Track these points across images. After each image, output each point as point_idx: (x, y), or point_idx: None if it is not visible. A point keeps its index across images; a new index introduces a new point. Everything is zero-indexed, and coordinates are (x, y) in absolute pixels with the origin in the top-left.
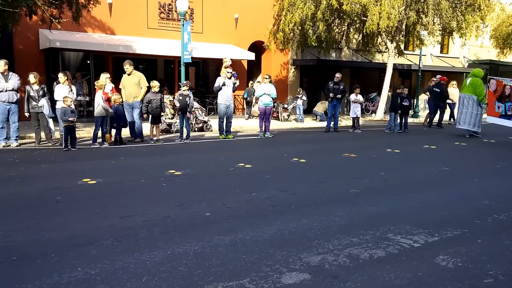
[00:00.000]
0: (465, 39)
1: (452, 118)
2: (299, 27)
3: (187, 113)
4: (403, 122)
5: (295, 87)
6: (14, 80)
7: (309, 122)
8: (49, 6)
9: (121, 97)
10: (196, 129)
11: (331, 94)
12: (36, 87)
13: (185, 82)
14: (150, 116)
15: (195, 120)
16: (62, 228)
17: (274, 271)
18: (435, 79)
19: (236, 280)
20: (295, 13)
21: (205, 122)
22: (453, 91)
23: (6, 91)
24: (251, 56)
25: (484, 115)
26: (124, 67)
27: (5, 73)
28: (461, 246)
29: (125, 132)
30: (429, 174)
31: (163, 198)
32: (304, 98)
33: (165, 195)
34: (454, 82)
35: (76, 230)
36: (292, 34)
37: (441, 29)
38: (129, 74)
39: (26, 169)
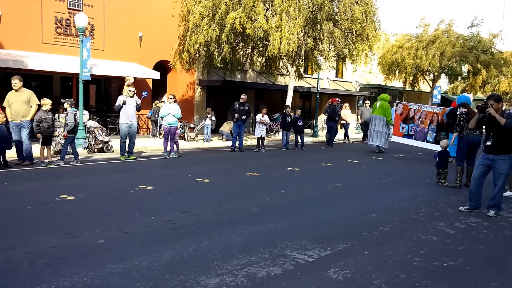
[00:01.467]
0: (356, 65)
1: (346, 137)
2: (205, 48)
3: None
4: (300, 141)
5: (201, 107)
6: None
7: (216, 142)
8: None
9: (5, 116)
10: (95, 150)
11: (236, 115)
12: None
13: (68, 100)
14: (41, 136)
15: (95, 140)
16: None
17: None
18: (338, 101)
19: None
20: (200, 34)
21: (105, 142)
22: (346, 113)
23: None
24: (156, 75)
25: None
26: (12, 82)
27: None
28: (350, 258)
29: (12, 154)
30: (324, 190)
31: (51, 226)
32: (213, 118)
33: (54, 222)
34: (347, 104)
35: None
36: (197, 54)
37: (335, 55)
38: (16, 91)
39: None
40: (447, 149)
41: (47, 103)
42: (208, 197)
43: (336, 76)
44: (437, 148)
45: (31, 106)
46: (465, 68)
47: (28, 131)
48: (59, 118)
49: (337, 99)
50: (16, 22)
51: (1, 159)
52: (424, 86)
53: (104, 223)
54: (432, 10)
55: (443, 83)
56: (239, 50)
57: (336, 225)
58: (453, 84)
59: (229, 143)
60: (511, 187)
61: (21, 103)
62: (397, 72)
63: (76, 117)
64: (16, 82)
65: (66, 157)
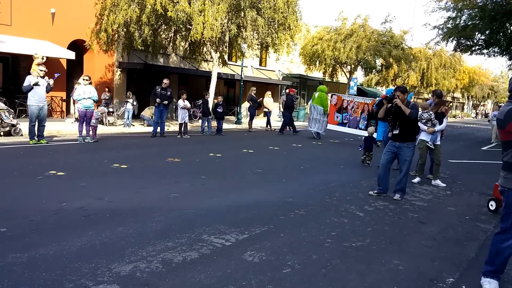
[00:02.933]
0: (278, 54)
1: (268, 125)
2: (124, 29)
3: None
4: (219, 126)
5: (121, 91)
6: None
7: (137, 127)
8: None
9: None
10: (2, 133)
11: (158, 100)
12: None
13: None
14: None
15: (1, 123)
16: None
17: (78, 286)
18: (254, 89)
19: None
20: (119, 14)
21: (13, 125)
22: (269, 101)
23: None
24: (71, 55)
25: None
26: None
27: None
28: (266, 241)
29: None
30: (245, 176)
31: None
32: (134, 102)
33: None
34: (269, 92)
35: None
36: (116, 35)
37: (258, 43)
38: None
39: None
40: (373, 135)
41: None
42: (125, 183)
43: (260, 65)
44: (364, 133)
45: None
46: (379, 61)
47: None
48: None
49: (293, 89)
50: None
51: None
52: (342, 78)
53: (7, 211)
54: (350, 4)
55: (359, 75)
56: (161, 33)
57: (255, 210)
58: (368, 76)
59: (151, 129)
60: (421, 174)
61: None
62: (317, 63)
63: None
64: None
65: None
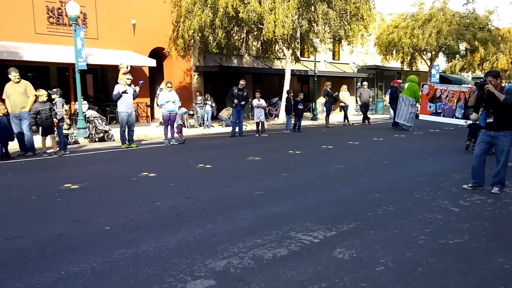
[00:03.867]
0: (352, 46)
1: (346, 120)
2: (199, 34)
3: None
4: (298, 123)
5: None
6: None
7: (216, 128)
8: None
9: (6, 108)
10: (96, 139)
11: (235, 100)
12: None
13: (55, 90)
14: (40, 127)
15: (95, 130)
16: None
17: (178, 280)
18: (329, 84)
19: None
20: (194, 19)
21: (106, 131)
22: (345, 95)
23: None
24: (152, 62)
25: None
26: (12, 75)
27: None
28: (355, 238)
29: (14, 146)
30: (326, 172)
31: (57, 214)
32: (213, 104)
33: (60, 211)
34: (345, 86)
35: None
36: (192, 40)
37: (331, 37)
38: (17, 82)
39: None
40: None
41: (42, 94)
42: (210, 182)
43: (333, 58)
44: (462, 122)
45: (28, 97)
46: (462, 46)
47: (28, 122)
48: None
49: (398, 80)
50: (8, 13)
51: (3, 151)
52: (422, 66)
53: (109, 210)
54: None
55: (441, 62)
56: (234, 34)
57: (340, 206)
58: (451, 62)
59: (229, 129)
60: None
61: (19, 95)
62: (394, 52)
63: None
64: (14, 74)
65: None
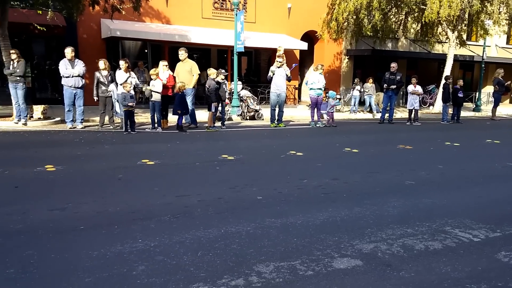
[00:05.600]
0: None
1: None
2: (354, 16)
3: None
4: (456, 113)
5: (348, 78)
6: (79, 66)
7: (363, 114)
8: None
9: (185, 84)
10: (247, 117)
11: (385, 85)
12: (105, 73)
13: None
14: (213, 103)
15: (247, 108)
16: (124, 203)
17: (325, 255)
18: (501, 71)
19: (287, 261)
20: (350, 1)
21: (256, 110)
22: None
23: (72, 77)
24: (304, 45)
25: None
26: (179, 53)
27: (72, 60)
28: None
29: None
30: (491, 169)
31: (216, 180)
32: (361, 89)
33: (218, 178)
34: None
35: (137, 206)
36: (346, 23)
37: (508, 18)
38: (182, 61)
39: (91, 149)
40: None
41: (212, 72)
42: (357, 167)
43: (507, 43)
44: None
45: (193, 75)
46: None
47: (191, 98)
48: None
49: None
50: (180, 0)
51: (179, 123)
52: None
53: (260, 182)
54: None
55: None
56: (391, 16)
57: (508, 207)
58: None
59: (378, 115)
60: None
61: (185, 73)
62: None
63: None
64: (182, 53)
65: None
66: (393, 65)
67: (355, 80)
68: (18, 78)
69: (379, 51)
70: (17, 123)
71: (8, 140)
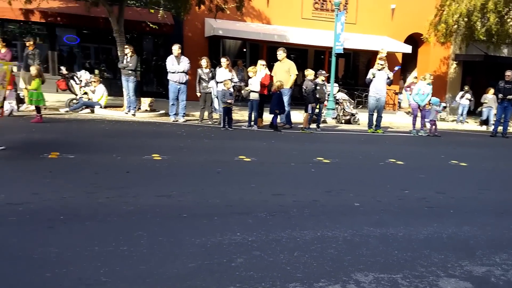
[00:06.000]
0: None
1: None
2: (465, 19)
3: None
4: None
5: (455, 85)
6: (185, 63)
7: (471, 125)
8: None
9: (282, 84)
10: (343, 121)
11: (500, 95)
12: (206, 70)
13: (323, 72)
14: (310, 104)
15: (343, 112)
16: (222, 196)
17: (430, 273)
18: None
19: (388, 273)
20: (461, 3)
21: (352, 114)
22: None
23: (177, 72)
24: (407, 48)
25: None
26: (278, 53)
27: (178, 57)
28: None
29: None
30: None
31: (312, 182)
32: (471, 98)
33: (314, 180)
34: None
35: (234, 200)
36: (456, 26)
37: None
38: (280, 61)
39: (192, 142)
40: None
41: (310, 73)
42: (465, 181)
43: None
44: None
45: (290, 76)
46: None
47: (288, 98)
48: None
49: None
50: (281, 0)
51: (273, 122)
52: None
53: (358, 188)
54: None
55: None
56: (508, 20)
57: None
58: None
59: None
60: None
61: (283, 73)
62: None
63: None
64: (280, 53)
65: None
66: (509, 73)
67: (465, 88)
68: (130, 71)
69: (493, 57)
70: (127, 113)
71: (120, 129)
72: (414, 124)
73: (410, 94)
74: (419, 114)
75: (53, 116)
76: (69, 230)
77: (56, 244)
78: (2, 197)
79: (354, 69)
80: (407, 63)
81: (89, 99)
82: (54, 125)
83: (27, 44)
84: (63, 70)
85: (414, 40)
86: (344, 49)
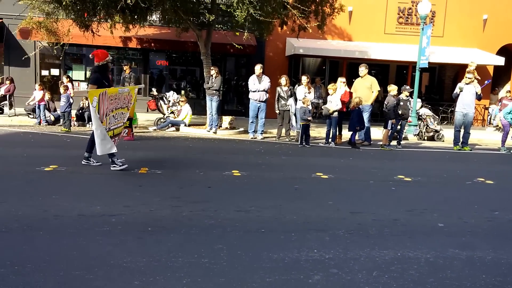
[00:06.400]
0: None
1: None
2: None
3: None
4: None
5: None
6: (265, 82)
7: None
8: (300, 17)
9: (360, 101)
10: (425, 137)
11: None
12: (285, 88)
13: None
14: (390, 120)
15: (426, 128)
16: (300, 212)
17: None
18: None
19: None
20: None
21: (436, 131)
22: None
23: (258, 91)
24: (500, 61)
25: None
26: (360, 69)
27: (260, 76)
28: None
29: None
30: None
31: (392, 201)
32: None
33: (394, 198)
34: None
35: (312, 216)
36: None
37: None
38: (362, 77)
39: (270, 158)
40: None
41: (393, 89)
42: None
43: None
44: None
45: (372, 92)
46: None
47: (368, 115)
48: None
49: None
50: (363, 16)
51: (352, 139)
52: None
53: (442, 208)
54: None
55: None
56: None
57: None
58: None
59: None
60: None
61: (364, 89)
62: None
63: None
64: (362, 69)
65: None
66: None
67: None
68: (214, 91)
69: None
70: (209, 131)
71: (202, 146)
72: (503, 141)
73: (500, 110)
74: (511, 131)
75: (143, 134)
76: (156, 241)
77: (144, 254)
78: (98, 208)
79: (439, 83)
80: (500, 76)
81: (174, 118)
82: (143, 143)
83: (124, 68)
84: (154, 91)
85: (508, 51)
86: (429, 63)
